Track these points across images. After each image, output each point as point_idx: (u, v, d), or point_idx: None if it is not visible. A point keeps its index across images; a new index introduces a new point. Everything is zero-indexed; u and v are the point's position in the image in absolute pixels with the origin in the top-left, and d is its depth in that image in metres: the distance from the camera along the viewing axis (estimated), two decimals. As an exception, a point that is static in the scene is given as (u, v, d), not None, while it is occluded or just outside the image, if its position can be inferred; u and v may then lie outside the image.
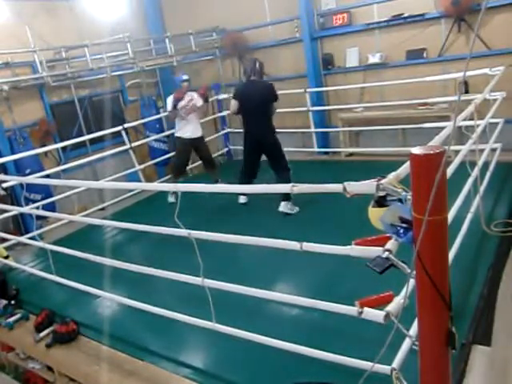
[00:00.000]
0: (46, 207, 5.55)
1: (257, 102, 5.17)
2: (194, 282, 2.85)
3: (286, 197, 5.13)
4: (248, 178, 5.42)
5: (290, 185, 2.19)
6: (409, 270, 1.70)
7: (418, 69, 6.45)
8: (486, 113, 4.39)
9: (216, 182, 6.25)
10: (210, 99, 7.94)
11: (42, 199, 5.89)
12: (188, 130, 6.14)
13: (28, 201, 5.89)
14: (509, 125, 5.36)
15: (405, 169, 1.89)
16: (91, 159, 6.27)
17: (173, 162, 6.75)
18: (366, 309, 2.07)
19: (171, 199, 6.14)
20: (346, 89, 7.10)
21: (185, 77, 6.11)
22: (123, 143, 6.56)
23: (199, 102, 6.10)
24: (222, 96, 7.79)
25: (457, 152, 3.45)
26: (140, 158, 7.12)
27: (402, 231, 1.72)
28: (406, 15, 6.39)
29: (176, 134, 6.26)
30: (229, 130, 8.08)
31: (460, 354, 2.57)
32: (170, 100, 6.04)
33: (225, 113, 7.85)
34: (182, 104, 5.98)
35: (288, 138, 7.86)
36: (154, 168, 8.02)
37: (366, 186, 1.86)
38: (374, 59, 6.82)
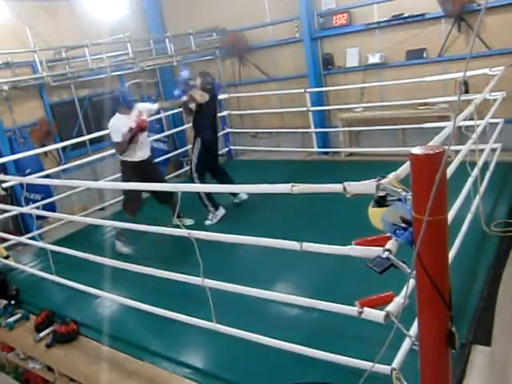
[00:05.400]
0: (46, 207, 5.55)
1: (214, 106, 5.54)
2: (193, 281, 2.85)
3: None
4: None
5: (290, 185, 2.19)
6: (409, 270, 1.70)
7: (418, 69, 6.44)
8: (486, 113, 4.39)
9: (178, 216, 4.73)
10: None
11: (42, 199, 5.89)
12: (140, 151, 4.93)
13: (28, 201, 5.89)
14: (509, 125, 5.36)
15: (405, 169, 1.89)
16: (91, 159, 6.27)
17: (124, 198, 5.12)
18: (366, 309, 2.07)
19: (124, 249, 4.94)
20: (346, 89, 7.10)
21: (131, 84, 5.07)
22: (123, 143, 6.55)
23: (146, 112, 5.03)
24: (223, 96, 7.78)
25: (457, 152, 3.45)
26: (140, 158, 7.12)
27: (400, 231, 1.72)
28: (406, 15, 6.39)
29: (123, 158, 4.93)
30: (229, 130, 8.07)
31: (460, 354, 2.57)
32: (115, 126, 4.74)
33: (225, 113, 7.85)
34: (128, 126, 4.71)
35: (288, 137, 7.91)
36: (154, 168, 8.02)
37: (366, 186, 1.86)
38: (374, 59, 6.82)
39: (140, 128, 4.87)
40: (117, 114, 4.87)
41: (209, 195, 5.27)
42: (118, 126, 4.76)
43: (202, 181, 5.39)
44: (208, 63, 8.54)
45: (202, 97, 5.17)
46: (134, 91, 5.05)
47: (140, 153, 4.94)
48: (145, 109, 5.10)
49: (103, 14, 7.38)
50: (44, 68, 6.41)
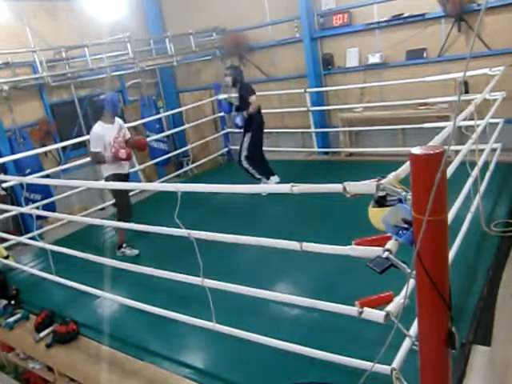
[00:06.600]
0: (45, 207, 5.55)
1: None
2: (193, 282, 2.85)
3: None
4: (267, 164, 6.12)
5: (290, 185, 2.19)
6: (409, 270, 1.70)
7: (418, 69, 6.44)
8: (486, 113, 4.39)
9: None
10: (210, 99, 8.00)
11: (42, 199, 5.89)
12: (124, 164, 4.79)
13: (28, 201, 5.89)
14: (509, 125, 5.36)
15: (405, 169, 1.89)
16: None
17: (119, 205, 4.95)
18: (366, 309, 2.07)
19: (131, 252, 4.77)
20: (346, 89, 7.10)
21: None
22: (123, 143, 6.55)
23: (124, 132, 4.82)
24: (222, 96, 7.78)
25: (457, 152, 3.45)
26: (140, 158, 7.13)
27: (403, 231, 1.72)
28: (406, 15, 6.39)
29: (109, 173, 4.67)
30: (229, 130, 8.07)
31: (460, 353, 2.57)
32: (97, 134, 4.54)
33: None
34: (113, 136, 4.60)
35: (288, 137, 7.91)
36: (154, 168, 8.03)
37: (366, 186, 1.86)
38: (373, 59, 6.82)
39: (140, 147, 4.97)
40: (99, 122, 4.61)
41: (262, 168, 5.98)
42: (101, 134, 4.54)
43: (253, 164, 5.96)
44: (208, 63, 8.55)
45: (256, 98, 5.77)
46: (118, 98, 4.81)
47: (126, 166, 4.84)
48: (124, 127, 4.88)
49: (103, 14, 7.38)
50: (44, 68, 6.42)
